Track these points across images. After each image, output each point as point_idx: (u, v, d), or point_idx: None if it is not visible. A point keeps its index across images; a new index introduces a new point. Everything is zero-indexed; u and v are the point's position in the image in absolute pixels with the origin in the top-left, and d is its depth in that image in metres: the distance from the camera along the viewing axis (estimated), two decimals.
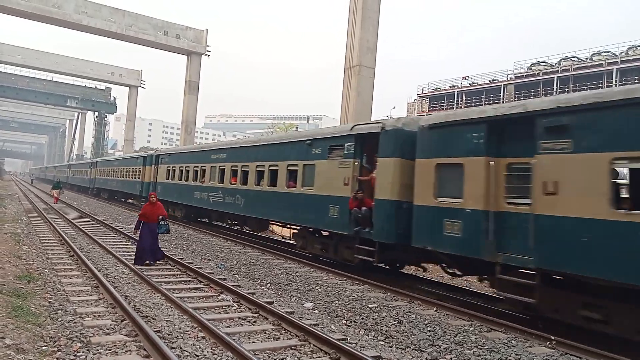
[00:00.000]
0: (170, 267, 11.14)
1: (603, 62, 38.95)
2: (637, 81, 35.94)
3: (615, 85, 36.45)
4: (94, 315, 6.89)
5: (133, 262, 10.86)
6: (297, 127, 62.59)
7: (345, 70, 23.28)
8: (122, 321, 6.62)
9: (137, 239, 11.33)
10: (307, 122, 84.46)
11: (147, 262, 10.92)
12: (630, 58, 37.65)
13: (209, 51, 50.25)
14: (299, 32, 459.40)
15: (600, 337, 6.67)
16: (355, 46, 22.61)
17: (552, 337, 6.75)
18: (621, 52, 38.78)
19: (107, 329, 6.28)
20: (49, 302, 7.42)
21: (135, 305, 7.41)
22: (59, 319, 6.56)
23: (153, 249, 11.12)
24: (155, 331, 6.04)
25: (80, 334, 5.98)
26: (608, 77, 38.19)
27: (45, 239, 14.23)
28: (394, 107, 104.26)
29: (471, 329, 7.26)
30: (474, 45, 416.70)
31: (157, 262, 11.16)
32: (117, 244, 14.22)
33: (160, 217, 11.27)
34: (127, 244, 14.61)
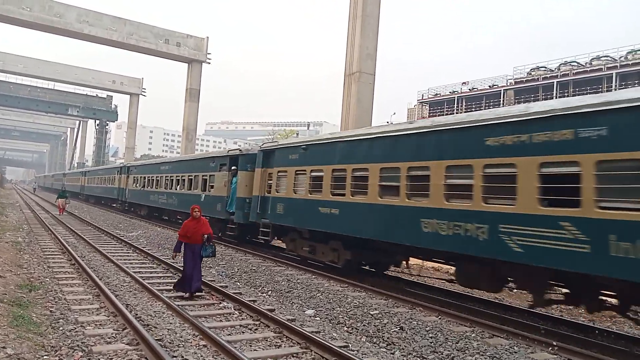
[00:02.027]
0: (172, 274, 11.14)
1: (602, 67, 39.00)
2: (637, 84, 36.01)
3: (616, 90, 36.50)
4: (96, 324, 6.88)
5: (173, 286, 9.30)
6: (297, 134, 62.71)
7: (345, 77, 23.34)
8: (123, 330, 6.62)
9: (179, 262, 9.53)
10: (308, 128, 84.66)
11: (190, 292, 8.83)
12: (630, 62, 37.68)
13: (209, 59, 50.48)
14: (300, 40, 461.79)
15: (603, 343, 6.66)
16: (355, 53, 22.68)
17: (554, 343, 6.74)
18: (620, 57, 38.84)
19: (109, 338, 6.28)
20: (50, 311, 7.42)
21: (136, 314, 7.41)
22: (61, 328, 6.55)
23: (196, 277, 8.91)
24: (156, 340, 6.03)
25: (82, 343, 5.97)
26: (607, 82, 38.22)
27: (47, 248, 14.24)
28: (394, 113, 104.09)
29: (473, 335, 7.24)
30: (478, 49, 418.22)
31: (195, 294, 8.90)
32: (118, 252, 14.23)
33: (205, 236, 8.93)
34: (129, 252, 14.60)
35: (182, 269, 9.43)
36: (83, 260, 11.98)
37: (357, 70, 22.50)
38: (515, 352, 6.54)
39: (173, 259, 8.80)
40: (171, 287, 9.59)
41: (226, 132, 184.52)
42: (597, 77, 39.12)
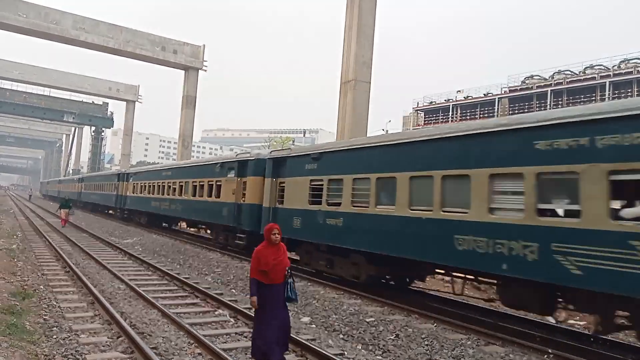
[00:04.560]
0: (167, 282, 11.09)
1: (596, 76, 39.38)
2: (629, 93, 36.37)
3: (609, 98, 36.84)
4: (90, 332, 6.84)
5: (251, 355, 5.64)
6: (293, 141, 62.78)
7: (341, 84, 23.42)
8: (118, 338, 6.58)
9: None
10: (304, 135, 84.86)
11: None
12: (623, 71, 38.09)
13: (206, 66, 50.57)
14: (296, 46, 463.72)
15: (598, 351, 6.68)
16: (351, 61, 22.78)
17: (550, 351, 6.75)
18: (613, 66, 39.24)
19: (103, 346, 6.24)
20: (44, 319, 7.37)
21: (131, 322, 7.36)
22: (54, 337, 6.51)
23: (281, 336, 5.45)
24: (151, 348, 6.01)
25: (76, 351, 5.94)
26: (601, 90, 38.58)
27: (41, 255, 14.15)
28: (390, 121, 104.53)
29: (469, 342, 7.24)
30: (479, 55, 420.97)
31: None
32: (113, 259, 14.16)
33: (288, 270, 5.58)
34: (124, 259, 14.51)
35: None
36: (77, 267, 11.92)
37: (353, 78, 22.58)
38: None
39: (254, 306, 5.43)
40: (168, 294, 9.52)
41: (222, 139, 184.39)
42: (590, 86, 39.48)
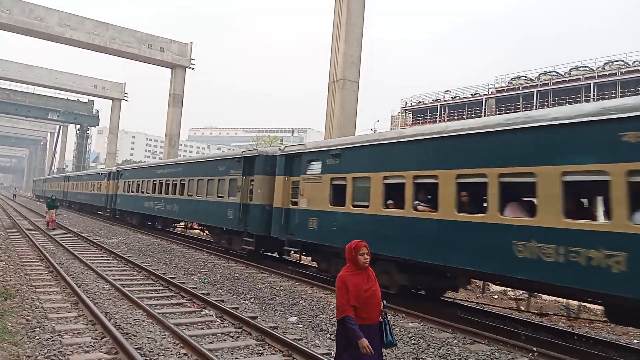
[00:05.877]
0: (152, 281, 10.98)
1: (581, 77, 39.95)
2: (613, 95, 36.97)
3: (593, 99, 37.40)
4: (73, 333, 6.74)
5: None
6: (282, 140, 62.67)
7: (330, 84, 23.43)
8: (102, 338, 6.49)
9: None
10: (292, 134, 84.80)
11: None
12: (607, 73, 38.69)
13: (193, 64, 50.24)
14: (284, 47, 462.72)
15: (581, 349, 6.77)
16: (339, 60, 22.81)
17: (534, 349, 6.82)
18: (598, 67, 39.84)
19: (87, 347, 6.15)
20: (27, 319, 7.23)
21: (115, 322, 7.27)
22: (37, 337, 6.40)
23: None
24: (136, 348, 5.93)
25: (59, 352, 5.84)
26: (586, 91, 39.14)
27: (24, 255, 13.92)
28: (378, 121, 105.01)
29: (455, 341, 7.29)
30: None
31: None
32: (98, 259, 13.98)
33: (385, 305, 4.37)
34: (109, 259, 14.33)
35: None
36: (61, 267, 11.74)
37: (342, 78, 22.61)
38: (497, 358, 6.60)
39: (368, 351, 3.95)
40: (154, 294, 9.43)
41: (210, 137, 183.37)
42: (575, 87, 40.03)
